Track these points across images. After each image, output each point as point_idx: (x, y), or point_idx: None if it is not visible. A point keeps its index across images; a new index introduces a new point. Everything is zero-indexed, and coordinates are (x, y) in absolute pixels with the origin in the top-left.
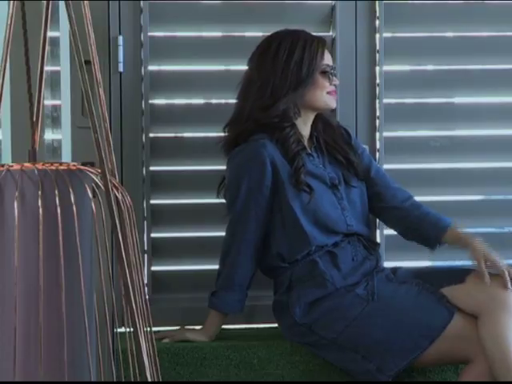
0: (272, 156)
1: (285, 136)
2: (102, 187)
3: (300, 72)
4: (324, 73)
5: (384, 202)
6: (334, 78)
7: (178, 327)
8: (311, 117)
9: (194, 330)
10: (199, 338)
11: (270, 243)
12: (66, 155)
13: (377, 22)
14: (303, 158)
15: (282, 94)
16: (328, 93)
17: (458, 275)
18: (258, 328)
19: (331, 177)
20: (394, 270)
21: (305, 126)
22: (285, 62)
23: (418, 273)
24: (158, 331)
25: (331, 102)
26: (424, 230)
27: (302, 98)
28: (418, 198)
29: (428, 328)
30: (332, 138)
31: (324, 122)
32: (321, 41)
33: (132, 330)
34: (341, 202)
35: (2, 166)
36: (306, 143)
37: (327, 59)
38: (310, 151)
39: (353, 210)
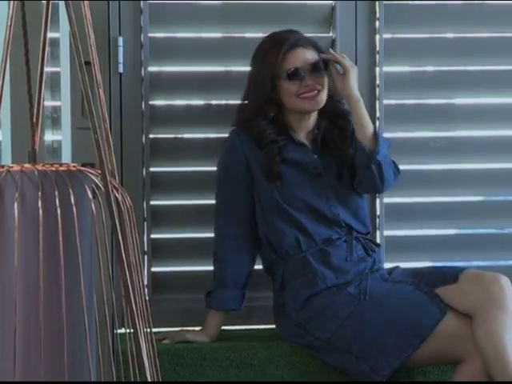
0: (245, 145)
1: (261, 127)
2: (102, 188)
3: (258, 85)
4: (289, 77)
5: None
6: (306, 78)
7: (178, 328)
8: (310, 115)
9: (194, 331)
10: (199, 339)
11: (260, 237)
12: (66, 156)
13: (377, 23)
14: (281, 146)
15: (254, 110)
16: (300, 96)
17: (452, 275)
18: (257, 329)
19: (315, 166)
20: (391, 270)
21: (303, 121)
22: (249, 79)
23: (414, 273)
24: (159, 332)
25: (304, 105)
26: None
27: (279, 104)
28: (418, 199)
29: (419, 327)
30: (332, 137)
31: (331, 121)
32: (282, 44)
33: (132, 330)
34: (326, 191)
35: (2, 166)
36: (301, 135)
37: (293, 61)
38: (302, 141)
39: (342, 202)
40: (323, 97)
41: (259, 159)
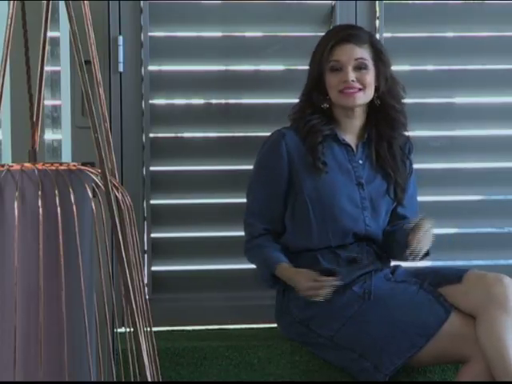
0: (290, 146)
1: (308, 117)
2: (102, 187)
3: (310, 74)
4: (332, 70)
5: (393, 223)
6: (347, 73)
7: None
8: (354, 112)
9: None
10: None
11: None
12: (66, 155)
13: (377, 22)
14: (325, 143)
15: (305, 100)
16: (340, 91)
17: (455, 275)
18: (258, 328)
19: (357, 175)
20: (393, 269)
21: (348, 118)
22: (309, 65)
23: (417, 272)
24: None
25: (343, 100)
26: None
27: (327, 97)
28: (418, 198)
29: (424, 327)
30: (382, 151)
31: (381, 129)
32: (333, 37)
33: (132, 329)
34: (363, 201)
35: (2, 166)
36: (348, 136)
37: (338, 54)
38: (348, 142)
39: (375, 215)
40: (364, 96)
41: (303, 157)
